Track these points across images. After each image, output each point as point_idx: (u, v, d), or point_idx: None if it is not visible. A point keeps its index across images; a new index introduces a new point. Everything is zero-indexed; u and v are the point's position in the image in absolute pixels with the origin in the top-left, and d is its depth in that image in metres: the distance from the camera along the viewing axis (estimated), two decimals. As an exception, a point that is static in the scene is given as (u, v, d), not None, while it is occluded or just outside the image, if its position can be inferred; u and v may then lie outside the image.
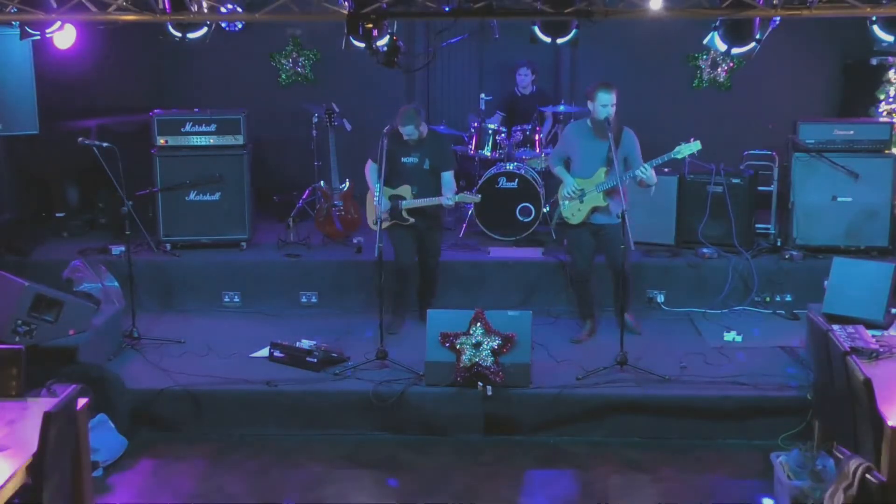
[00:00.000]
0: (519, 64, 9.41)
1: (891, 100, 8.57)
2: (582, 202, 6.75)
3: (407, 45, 9.07)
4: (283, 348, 6.59)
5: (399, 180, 6.96)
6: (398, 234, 7.03)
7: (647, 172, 6.53)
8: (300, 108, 9.25)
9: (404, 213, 6.91)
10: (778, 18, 6.68)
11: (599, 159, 6.58)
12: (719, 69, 10.03)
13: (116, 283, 7.24)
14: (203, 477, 5.63)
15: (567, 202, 6.82)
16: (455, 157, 7.33)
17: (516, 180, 8.37)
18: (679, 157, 6.58)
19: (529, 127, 8.99)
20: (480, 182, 8.46)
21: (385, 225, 6.78)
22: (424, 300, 7.40)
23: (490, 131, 8.85)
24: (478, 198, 7.27)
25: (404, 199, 6.93)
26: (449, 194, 6.93)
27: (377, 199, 6.67)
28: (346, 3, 6.65)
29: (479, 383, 6.00)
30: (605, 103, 6.56)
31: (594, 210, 6.74)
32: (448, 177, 7.02)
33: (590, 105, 6.65)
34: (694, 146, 6.53)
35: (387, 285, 6.72)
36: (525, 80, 9.39)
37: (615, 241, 6.63)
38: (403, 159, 6.95)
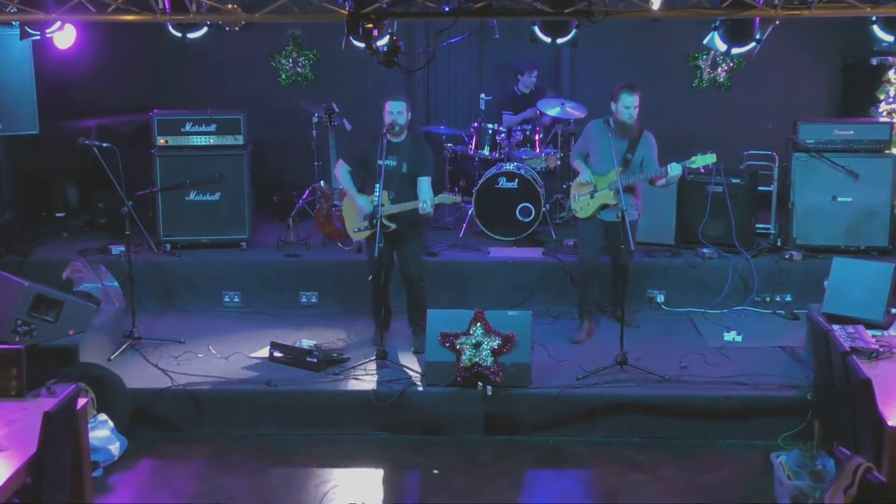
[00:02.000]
0: (526, 66, 9.36)
1: (891, 100, 8.57)
2: (592, 198, 6.76)
3: (407, 45, 9.09)
4: (283, 348, 6.59)
5: (375, 186, 6.51)
6: (370, 240, 6.55)
7: (675, 170, 6.49)
8: (300, 108, 9.26)
9: (384, 220, 6.43)
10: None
11: (616, 158, 6.57)
12: (719, 69, 10.04)
13: (116, 283, 7.25)
14: (203, 477, 5.63)
15: (578, 194, 6.84)
16: (435, 165, 6.79)
17: (516, 180, 8.37)
18: (693, 166, 6.58)
19: (529, 127, 9.00)
20: (480, 182, 8.46)
21: (366, 234, 6.61)
22: (413, 321, 6.88)
23: (490, 131, 8.85)
24: (458, 198, 6.90)
25: (382, 205, 6.45)
26: (426, 199, 6.44)
27: (377, 199, 6.54)
28: (346, 3, 6.64)
29: (479, 383, 6.00)
30: (627, 105, 6.59)
31: (603, 207, 6.75)
32: (425, 182, 6.54)
33: (612, 106, 6.68)
34: (709, 158, 6.52)
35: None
36: (532, 80, 9.39)
37: (622, 240, 6.61)
38: (380, 162, 6.46)
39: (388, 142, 6.55)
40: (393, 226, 6.52)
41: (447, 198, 6.76)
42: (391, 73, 7.75)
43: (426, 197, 6.48)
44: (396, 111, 6.55)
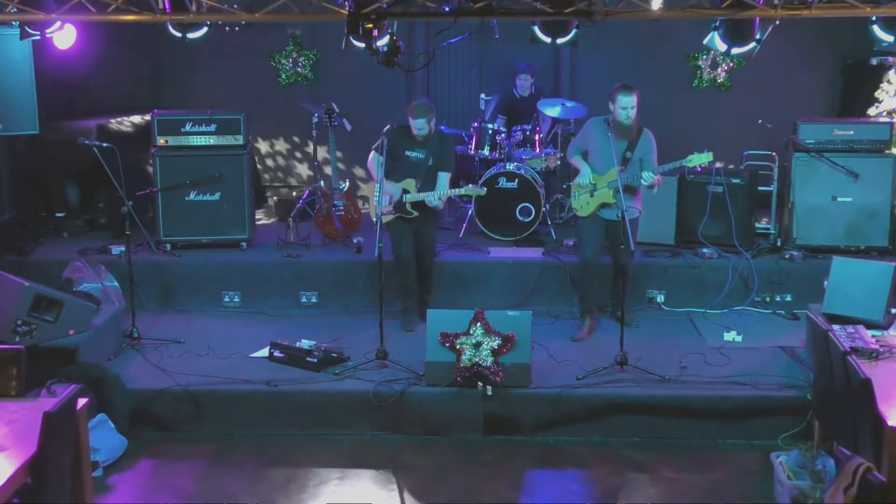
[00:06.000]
0: (519, 69, 9.36)
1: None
2: (592, 196, 6.78)
3: (407, 45, 9.09)
4: (283, 348, 6.59)
5: (403, 174, 7.05)
6: (397, 228, 7.11)
7: (648, 178, 6.53)
8: (300, 108, 9.26)
9: (408, 206, 7.00)
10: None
11: (615, 158, 6.56)
12: (719, 69, 10.04)
13: (116, 283, 7.25)
14: (203, 477, 5.63)
15: (578, 193, 6.85)
16: (455, 161, 7.44)
17: (516, 180, 8.37)
18: (690, 164, 6.60)
19: (529, 127, 8.99)
20: (480, 182, 8.45)
21: (388, 219, 6.87)
22: (421, 297, 7.41)
23: (490, 131, 8.85)
24: (482, 191, 7.36)
25: (409, 192, 7.01)
26: (439, 193, 7.00)
27: (377, 198, 6.66)
28: (346, 3, 6.65)
29: (479, 383, 6.00)
30: (624, 106, 6.60)
31: (603, 206, 6.76)
32: (444, 178, 7.07)
33: (611, 106, 6.69)
34: (705, 157, 6.54)
35: (388, 284, 6.70)
36: (525, 84, 9.38)
37: (622, 239, 6.62)
38: (408, 153, 7.04)
39: (417, 133, 6.98)
40: (416, 213, 7.02)
41: (473, 189, 7.29)
42: (391, 73, 7.77)
43: (440, 192, 7.02)
44: (418, 127, 6.95)
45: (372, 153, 7.18)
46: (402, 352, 6.60)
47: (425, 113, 6.93)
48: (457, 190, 7.30)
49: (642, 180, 6.56)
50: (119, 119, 9.21)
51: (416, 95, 10.17)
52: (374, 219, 7.06)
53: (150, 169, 8.11)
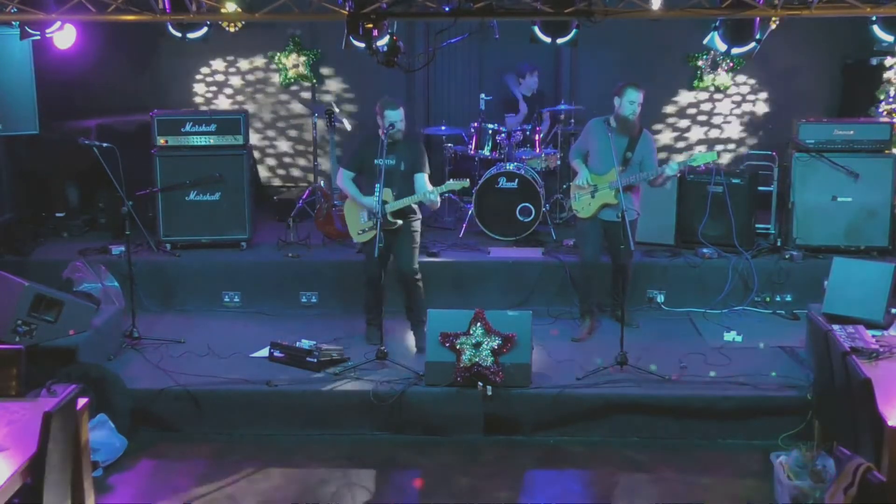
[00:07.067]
0: (528, 68, 9.33)
1: (891, 100, 8.57)
2: (593, 197, 6.78)
3: (407, 45, 9.09)
4: (283, 348, 6.59)
5: (375, 185, 6.56)
6: (372, 242, 6.51)
7: (673, 169, 6.55)
8: (300, 109, 9.27)
9: (389, 217, 6.57)
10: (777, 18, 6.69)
11: (616, 157, 6.56)
12: (719, 69, 10.03)
13: (116, 283, 7.25)
14: (203, 477, 5.63)
15: (578, 194, 6.85)
16: (429, 161, 6.83)
17: (516, 180, 8.37)
18: (695, 164, 6.60)
19: (529, 127, 9.00)
20: (480, 182, 8.46)
21: (370, 235, 6.58)
22: (413, 314, 6.93)
23: (490, 131, 8.85)
24: (465, 182, 6.79)
25: (387, 202, 6.55)
26: (432, 189, 6.56)
27: (377, 200, 6.59)
28: (346, 3, 6.65)
29: (479, 383, 6.00)
30: (632, 100, 6.62)
31: (604, 206, 6.76)
32: (422, 178, 6.64)
33: (616, 101, 6.69)
34: (710, 156, 6.55)
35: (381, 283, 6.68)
36: (534, 83, 9.38)
37: (622, 240, 6.62)
38: (377, 162, 6.50)
39: (386, 142, 6.54)
40: (399, 222, 6.64)
41: (454, 184, 6.73)
42: (391, 73, 7.76)
43: (430, 189, 6.56)
44: (398, 119, 6.55)
45: (340, 171, 6.83)
46: (402, 352, 6.60)
47: (400, 104, 6.56)
48: (439, 187, 6.70)
49: (668, 170, 6.55)
50: (119, 119, 9.22)
51: (417, 95, 10.18)
52: (356, 236, 6.82)
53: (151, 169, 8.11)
